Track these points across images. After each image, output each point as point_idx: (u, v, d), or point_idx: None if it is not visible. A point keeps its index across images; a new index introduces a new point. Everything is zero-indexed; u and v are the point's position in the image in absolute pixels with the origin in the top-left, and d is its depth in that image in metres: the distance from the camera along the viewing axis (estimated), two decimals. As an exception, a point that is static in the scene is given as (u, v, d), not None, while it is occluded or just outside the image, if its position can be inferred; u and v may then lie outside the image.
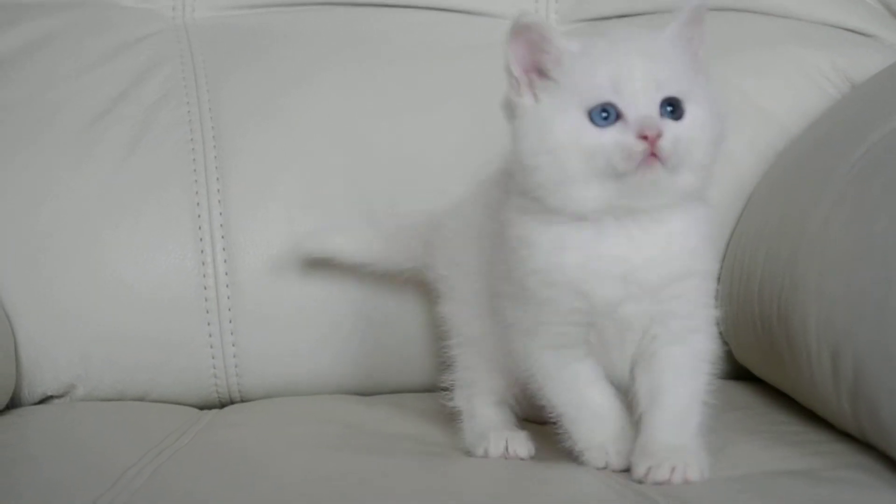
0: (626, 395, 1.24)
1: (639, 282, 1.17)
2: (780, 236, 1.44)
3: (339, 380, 1.60)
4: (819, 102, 1.66)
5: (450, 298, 1.37)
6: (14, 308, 1.56)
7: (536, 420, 1.33)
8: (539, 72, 1.17)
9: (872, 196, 1.26)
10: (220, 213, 1.60)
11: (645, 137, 1.12)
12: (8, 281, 1.57)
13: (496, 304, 1.26)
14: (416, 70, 1.68)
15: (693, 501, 1.11)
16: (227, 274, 1.59)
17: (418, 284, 1.51)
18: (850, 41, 1.71)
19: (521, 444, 1.28)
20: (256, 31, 1.71)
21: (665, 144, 1.12)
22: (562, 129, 1.15)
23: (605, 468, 1.21)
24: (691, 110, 1.15)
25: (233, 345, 1.59)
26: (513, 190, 1.20)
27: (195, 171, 1.62)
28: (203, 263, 1.59)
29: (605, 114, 1.13)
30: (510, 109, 1.19)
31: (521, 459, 1.27)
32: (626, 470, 1.20)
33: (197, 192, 1.61)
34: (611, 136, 1.13)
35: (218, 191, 1.61)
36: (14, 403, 1.55)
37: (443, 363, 1.38)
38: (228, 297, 1.59)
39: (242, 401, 1.60)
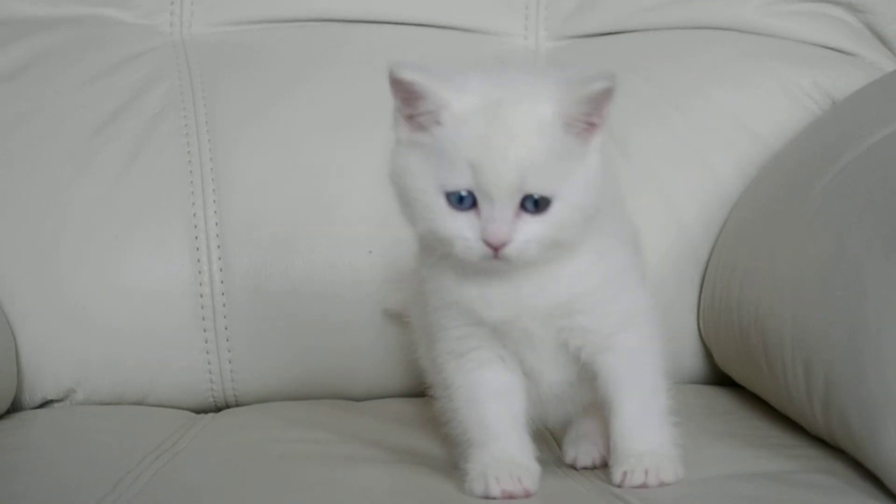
0: (561, 403, 1.22)
1: (527, 307, 1.13)
2: (759, 249, 1.48)
3: (331, 385, 1.63)
4: (800, 119, 1.68)
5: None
6: (16, 314, 1.59)
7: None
8: (415, 119, 1.10)
9: (845, 214, 1.29)
10: (217, 224, 1.63)
11: (489, 244, 1.07)
12: (11, 288, 1.59)
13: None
14: None
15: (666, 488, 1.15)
16: (222, 282, 1.62)
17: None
18: (831, 59, 1.73)
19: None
20: (252, 46, 1.73)
21: (510, 252, 1.07)
22: (418, 194, 1.09)
23: (484, 496, 1.14)
24: (557, 208, 1.08)
25: (228, 350, 1.61)
26: None
27: (192, 182, 1.64)
28: (199, 272, 1.62)
29: (462, 200, 1.08)
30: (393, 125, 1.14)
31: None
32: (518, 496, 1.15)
33: (193, 203, 1.63)
34: (459, 225, 1.08)
35: (214, 201, 1.63)
36: (15, 407, 1.57)
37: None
38: (224, 305, 1.61)
39: (238, 405, 1.63)
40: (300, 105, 1.69)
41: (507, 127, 1.07)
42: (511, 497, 1.14)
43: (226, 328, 1.62)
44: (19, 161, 1.64)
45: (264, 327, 1.62)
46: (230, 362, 1.62)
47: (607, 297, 1.15)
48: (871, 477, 1.18)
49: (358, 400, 1.63)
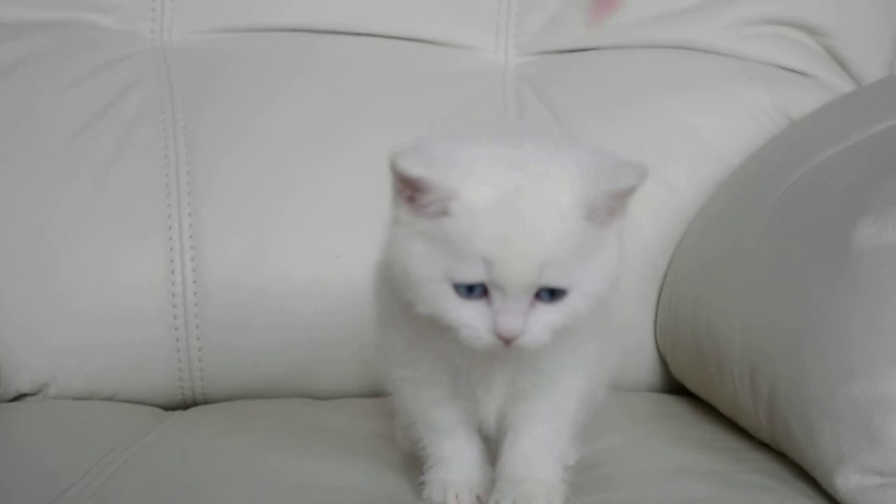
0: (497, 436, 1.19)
1: (500, 367, 1.11)
2: (713, 263, 1.52)
3: (298, 384, 1.66)
4: (758, 137, 1.72)
5: None
6: None
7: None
8: (418, 203, 1.02)
9: (791, 230, 1.34)
10: (190, 225, 1.65)
11: (501, 336, 1.01)
12: None
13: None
14: (382, 96, 1.73)
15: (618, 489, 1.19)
16: (194, 283, 1.64)
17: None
18: (790, 80, 1.77)
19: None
20: (231, 54, 1.75)
21: (523, 343, 1.02)
22: (423, 281, 1.02)
23: None
24: (573, 298, 1.02)
25: (198, 349, 1.64)
26: None
27: (168, 185, 1.66)
28: (172, 272, 1.63)
29: (471, 289, 1.01)
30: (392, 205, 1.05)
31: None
32: None
33: (169, 205, 1.65)
34: (468, 314, 1.01)
35: (189, 204, 1.66)
36: None
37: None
38: (195, 305, 1.63)
39: (206, 402, 1.65)
40: (276, 113, 1.71)
41: (525, 224, 0.98)
42: None
43: (197, 327, 1.64)
44: (3, 162, 1.66)
45: (234, 328, 1.64)
46: (200, 360, 1.64)
47: (569, 342, 1.09)
48: (808, 479, 1.23)
49: (323, 399, 1.65)
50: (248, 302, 1.64)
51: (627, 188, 1.01)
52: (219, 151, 1.69)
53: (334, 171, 1.68)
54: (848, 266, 1.21)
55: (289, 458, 1.32)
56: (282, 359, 1.65)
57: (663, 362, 1.70)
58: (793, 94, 1.76)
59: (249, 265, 1.65)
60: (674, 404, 1.61)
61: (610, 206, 1.02)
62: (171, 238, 1.65)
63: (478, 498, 1.16)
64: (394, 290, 1.07)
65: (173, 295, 1.64)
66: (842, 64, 1.80)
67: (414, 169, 1.00)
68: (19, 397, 1.63)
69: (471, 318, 1.01)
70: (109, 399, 1.64)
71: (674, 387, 1.68)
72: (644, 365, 1.70)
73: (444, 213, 1.00)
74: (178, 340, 1.64)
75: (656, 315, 1.69)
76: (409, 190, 1.02)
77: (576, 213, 1.00)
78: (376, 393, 1.54)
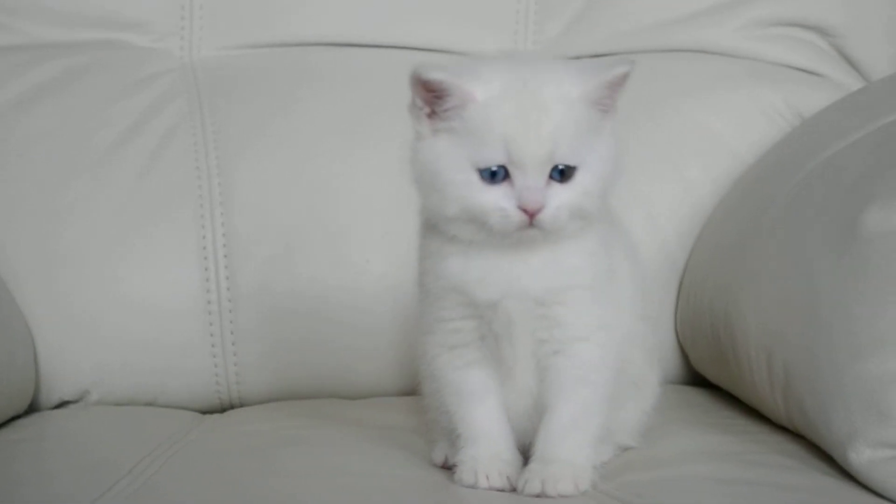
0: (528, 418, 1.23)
1: (518, 290, 1.17)
2: (729, 255, 1.56)
3: (331, 385, 1.69)
4: (771, 135, 1.75)
5: None
6: (35, 319, 1.64)
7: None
8: (437, 115, 1.15)
9: (803, 220, 1.38)
10: (223, 235, 1.69)
11: (526, 210, 1.12)
12: (31, 295, 1.65)
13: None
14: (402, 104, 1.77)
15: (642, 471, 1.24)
16: (228, 289, 1.67)
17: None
18: (801, 80, 1.80)
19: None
20: (255, 68, 1.79)
21: (545, 217, 1.13)
22: (450, 175, 1.13)
23: (473, 486, 1.20)
24: (581, 176, 1.14)
25: (234, 354, 1.67)
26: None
27: (200, 196, 1.70)
28: (207, 280, 1.67)
29: (494, 174, 1.12)
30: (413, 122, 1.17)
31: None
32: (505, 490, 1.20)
33: (202, 216, 1.69)
34: (494, 197, 1.13)
35: (221, 214, 1.69)
36: (33, 408, 1.63)
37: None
38: (230, 311, 1.67)
39: (242, 405, 1.68)
40: (300, 123, 1.75)
41: (537, 102, 1.12)
42: (499, 491, 1.20)
43: (232, 333, 1.68)
44: (40, 175, 1.70)
45: (268, 333, 1.68)
46: (236, 365, 1.68)
47: (587, 298, 1.19)
48: (824, 457, 1.27)
49: (357, 399, 1.68)
50: (281, 306, 1.68)
51: (621, 75, 1.15)
52: (247, 160, 1.73)
53: (359, 176, 1.72)
54: (856, 250, 1.25)
55: (324, 449, 1.37)
56: (315, 361, 1.69)
57: (684, 356, 1.73)
58: (804, 93, 1.79)
59: (281, 270, 1.69)
60: (695, 395, 1.65)
61: (605, 99, 1.15)
62: (204, 247, 1.69)
63: (508, 478, 1.20)
64: (430, 224, 1.19)
65: (208, 302, 1.68)
66: (851, 63, 1.84)
67: (436, 74, 1.12)
68: (62, 405, 1.67)
69: (497, 199, 1.13)
70: (149, 404, 1.68)
71: (695, 380, 1.72)
72: (666, 358, 1.69)
73: (463, 112, 1.13)
74: (213, 346, 1.68)
75: (676, 310, 1.73)
76: (431, 99, 1.14)
77: (580, 99, 1.14)
78: (409, 392, 1.58)
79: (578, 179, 1.14)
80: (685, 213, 1.75)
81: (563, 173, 1.13)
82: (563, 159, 1.13)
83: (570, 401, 1.20)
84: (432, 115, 1.15)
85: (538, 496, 1.18)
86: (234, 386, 1.69)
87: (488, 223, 1.14)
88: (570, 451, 1.20)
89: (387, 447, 1.38)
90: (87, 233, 1.68)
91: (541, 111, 1.12)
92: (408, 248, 1.28)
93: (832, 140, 1.48)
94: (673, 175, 1.77)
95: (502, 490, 1.20)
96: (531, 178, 1.12)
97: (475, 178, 1.13)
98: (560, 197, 1.13)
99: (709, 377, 1.67)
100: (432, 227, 1.20)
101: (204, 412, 1.67)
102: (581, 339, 1.20)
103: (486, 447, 1.22)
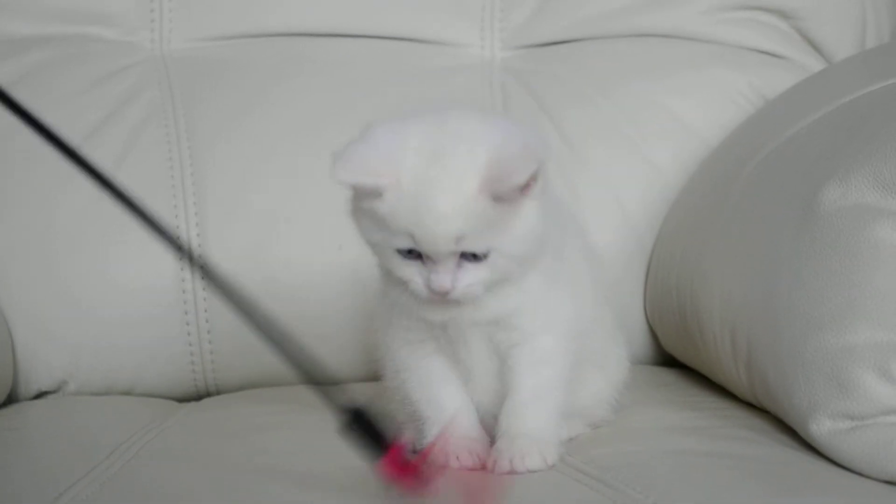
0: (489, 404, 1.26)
1: (467, 317, 1.21)
2: (693, 237, 1.59)
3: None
4: (735, 117, 1.77)
5: None
6: (11, 310, 1.65)
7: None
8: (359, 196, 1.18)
9: (764, 198, 1.41)
10: (197, 224, 1.70)
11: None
12: (6, 285, 1.66)
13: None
14: (370, 94, 1.77)
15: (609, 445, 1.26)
16: (203, 278, 1.69)
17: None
18: (764, 62, 1.83)
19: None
20: (226, 60, 1.80)
21: (456, 295, 1.16)
22: (373, 243, 1.19)
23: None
24: (494, 258, 1.16)
25: (209, 342, 1.69)
26: None
27: (174, 186, 1.71)
28: (181, 269, 1.68)
29: (409, 252, 1.16)
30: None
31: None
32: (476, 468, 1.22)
33: (175, 206, 1.70)
34: (410, 271, 1.17)
35: (194, 203, 1.71)
36: (11, 399, 1.64)
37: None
38: (205, 300, 1.68)
39: (219, 393, 1.70)
40: (271, 113, 1.76)
41: (438, 208, 1.13)
42: (470, 469, 1.22)
43: (207, 321, 1.69)
44: (15, 166, 1.70)
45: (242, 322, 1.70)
46: (211, 353, 1.70)
47: (542, 303, 1.23)
48: (787, 430, 1.30)
49: (331, 385, 1.70)
50: (255, 294, 1.66)
51: (522, 183, 1.14)
52: (220, 151, 1.75)
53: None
54: (815, 226, 1.27)
55: (300, 433, 1.39)
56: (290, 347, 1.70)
57: (654, 336, 1.76)
58: (767, 76, 1.82)
59: (254, 258, 1.70)
60: (663, 374, 1.67)
61: (514, 193, 1.14)
62: (178, 237, 1.67)
63: (477, 456, 1.23)
64: None
65: (183, 291, 1.69)
66: (814, 45, 1.86)
67: (349, 178, 1.16)
68: (41, 395, 1.68)
69: (412, 274, 1.18)
70: (126, 394, 1.69)
71: (664, 360, 1.75)
72: (635, 339, 1.75)
73: (379, 196, 1.15)
74: (189, 335, 1.69)
75: (645, 291, 1.76)
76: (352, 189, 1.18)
77: (482, 197, 1.14)
78: (380, 378, 1.59)
79: (491, 261, 1.16)
80: (652, 194, 1.77)
81: (475, 255, 1.16)
82: (470, 248, 1.15)
83: (529, 377, 1.24)
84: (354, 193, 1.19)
85: (508, 473, 1.20)
86: (211, 374, 1.71)
87: (409, 289, 1.18)
88: (535, 424, 1.23)
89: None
90: (63, 224, 1.69)
91: (440, 216, 1.14)
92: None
93: (793, 120, 1.50)
94: (639, 157, 1.79)
95: (472, 469, 1.22)
96: (441, 264, 1.16)
97: (395, 252, 1.18)
98: (472, 275, 1.17)
99: (677, 356, 1.70)
100: None
101: (181, 400, 1.68)
102: (539, 334, 1.24)
103: (454, 428, 1.24)
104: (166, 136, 1.75)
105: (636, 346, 1.75)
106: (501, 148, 1.15)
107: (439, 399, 1.26)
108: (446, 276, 1.16)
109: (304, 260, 1.71)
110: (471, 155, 1.15)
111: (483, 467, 1.23)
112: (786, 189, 1.37)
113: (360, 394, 1.54)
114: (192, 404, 1.65)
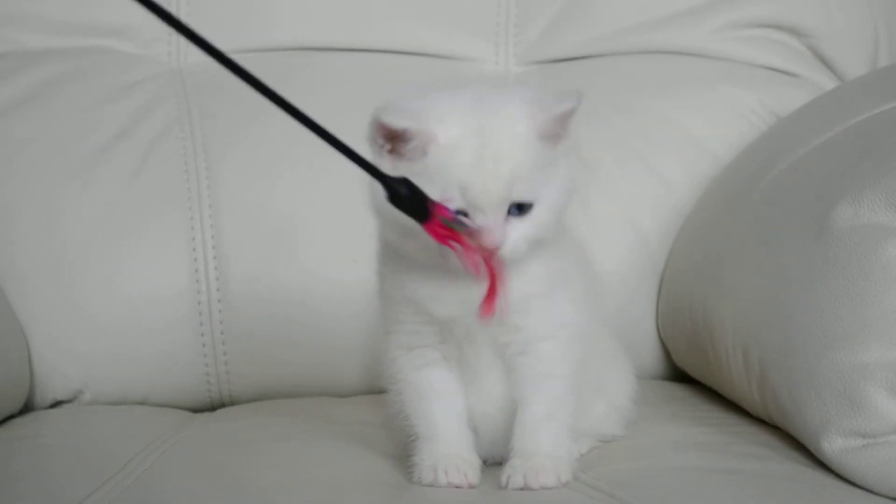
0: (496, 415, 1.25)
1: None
2: (705, 253, 1.60)
3: (321, 383, 1.71)
4: (747, 134, 1.78)
5: None
6: (29, 320, 1.66)
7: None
8: (398, 153, 1.16)
9: (776, 214, 1.42)
10: (213, 236, 1.71)
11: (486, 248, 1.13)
12: (23, 295, 1.66)
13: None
14: None
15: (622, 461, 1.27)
16: (218, 290, 1.70)
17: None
18: (776, 80, 1.84)
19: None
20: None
21: (505, 252, 1.15)
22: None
23: (432, 484, 1.21)
24: (538, 209, 1.16)
25: (224, 353, 1.70)
26: None
27: (190, 197, 1.73)
28: (197, 281, 1.70)
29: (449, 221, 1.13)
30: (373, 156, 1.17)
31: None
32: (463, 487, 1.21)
33: (192, 217, 1.71)
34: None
35: (210, 216, 1.72)
36: (27, 408, 1.65)
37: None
38: (220, 311, 1.69)
39: (233, 404, 1.71)
40: (285, 126, 1.68)
41: (493, 146, 1.13)
42: (457, 488, 1.21)
43: (222, 332, 1.70)
44: (32, 177, 1.72)
45: (257, 332, 1.70)
46: (226, 364, 1.70)
47: (546, 302, 1.22)
48: (799, 447, 1.31)
49: (345, 396, 1.70)
50: (270, 306, 1.70)
51: (567, 111, 1.16)
52: (234, 162, 1.76)
53: (343, 177, 1.68)
54: (828, 245, 1.28)
55: (312, 445, 1.40)
56: (304, 359, 1.71)
57: (666, 352, 1.77)
58: (779, 93, 1.83)
59: (270, 270, 1.71)
60: (675, 389, 1.68)
61: (556, 129, 1.16)
62: (194, 249, 1.71)
63: (466, 475, 1.22)
64: (387, 244, 1.23)
65: (199, 302, 1.70)
66: (826, 63, 1.87)
67: (400, 122, 1.14)
68: (56, 404, 1.69)
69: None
70: (141, 403, 1.70)
71: (676, 375, 1.76)
72: (648, 355, 1.76)
73: (424, 154, 1.14)
74: (204, 346, 1.70)
75: (657, 307, 1.76)
76: (393, 142, 1.15)
77: (531, 136, 1.15)
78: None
79: (536, 212, 1.16)
80: (664, 211, 1.78)
81: (520, 208, 1.15)
82: (520, 198, 1.15)
83: (540, 394, 1.23)
84: (393, 152, 1.16)
85: (521, 489, 1.20)
86: (225, 385, 1.72)
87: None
88: (549, 443, 1.22)
89: (364, 444, 1.40)
90: (79, 235, 1.70)
91: (497, 156, 1.14)
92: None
93: (806, 138, 1.51)
94: (652, 174, 1.80)
95: (459, 487, 1.22)
96: (490, 218, 1.14)
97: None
98: (518, 230, 1.16)
99: (689, 371, 1.71)
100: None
101: (195, 411, 1.69)
102: (543, 339, 1.23)
103: (445, 445, 1.23)
104: (183, 149, 1.77)
105: (647, 361, 1.76)
106: (540, 90, 1.18)
107: (432, 413, 1.25)
108: (497, 230, 1.14)
109: (320, 273, 1.71)
110: (514, 102, 1.16)
111: (471, 487, 1.22)
112: (798, 207, 1.38)
113: (380, 406, 1.57)
114: (207, 415, 1.66)
